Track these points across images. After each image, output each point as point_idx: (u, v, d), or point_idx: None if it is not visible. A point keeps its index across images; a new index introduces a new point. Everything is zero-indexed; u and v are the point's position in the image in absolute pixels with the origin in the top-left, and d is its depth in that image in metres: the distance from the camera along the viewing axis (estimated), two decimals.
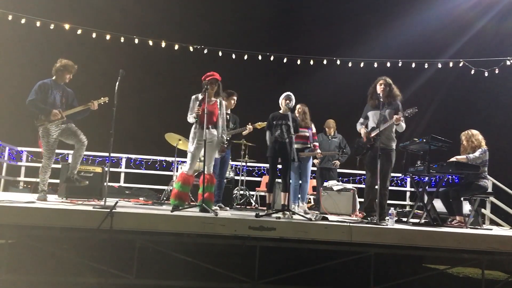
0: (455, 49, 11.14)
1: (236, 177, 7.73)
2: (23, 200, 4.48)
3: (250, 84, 11.28)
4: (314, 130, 6.59)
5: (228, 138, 6.20)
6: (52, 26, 8.89)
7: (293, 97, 5.54)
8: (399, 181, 10.00)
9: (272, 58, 9.86)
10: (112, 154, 5.00)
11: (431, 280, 4.55)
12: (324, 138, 7.40)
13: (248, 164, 8.28)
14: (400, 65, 9.79)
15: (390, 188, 5.39)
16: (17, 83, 10.10)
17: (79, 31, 8.99)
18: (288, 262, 4.42)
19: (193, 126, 5.04)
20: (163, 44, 9.44)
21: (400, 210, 7.51)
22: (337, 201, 6.80)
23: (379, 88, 5.12)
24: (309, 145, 6.42)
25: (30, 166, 9.07)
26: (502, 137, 10.40)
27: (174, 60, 10.23)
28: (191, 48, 9.55)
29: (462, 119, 10.77)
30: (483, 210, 7.91)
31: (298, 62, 9.94)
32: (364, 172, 5.60)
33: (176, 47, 9.50)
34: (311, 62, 9.95)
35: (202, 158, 4.90)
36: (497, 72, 9.61)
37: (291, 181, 5.78)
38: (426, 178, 6.33)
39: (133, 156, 9.33)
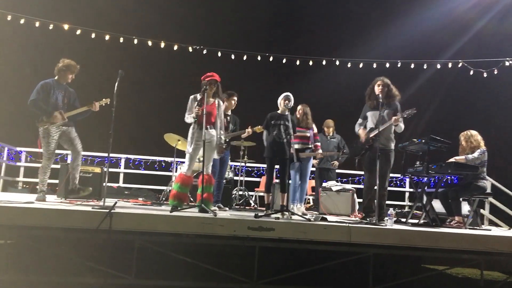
0: (454, 50, 11.16)
1: (235, 178, 7.73)
2: (22, 201, 4.47)
3: (249, 84, 11.26)
4: (315, 130, 6.58)
5: (228, 140, 6.20)
6: (51, 26, 8.88)
7: (292, 97, 5.54)
8: (398, 182, 10.00)
9: (271, 59, 9.87)
10: (111, 155, 5.00)
11: (430, 281, 4.55)
12: (323, 138, 7.39)
13: (247, 164, 8.28)
14: (399, 65, 9.80)
15: (389, 188, 5.40)
16: (16, 83, 10.09)
17: (78, 31, 8.98)
18: (287, 262, 4.42)
19: (191, 126, 5.03)
20: (162, 45, 9.43)
21: (399, 210, 7.52)
22: (336, 202, 6.81)
23: (377, 89, 5.12)
24: (309, 146, 6.41)
25: (29, 166, 9.06)
26: (501, 137, 10.42)
27: (173, 60, 10.22)
28: (190, 49, 9.55)
29: (461, 120, 10.76)
30: (482, 210, 7.92)
31: (298, 62, 9.95)
32: (363, 172, 5.60)
33: (175, 47, 9.49)
34: (310, 63, 9.95)
35: (201, 159, 4.90)
36: (496, 72, 9.62)
37: (290, 181, 5.78)
38: (425, 178, 6.34)
39: (132, 157, 9.33)
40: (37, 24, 8.87)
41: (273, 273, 4.08)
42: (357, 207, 6.95)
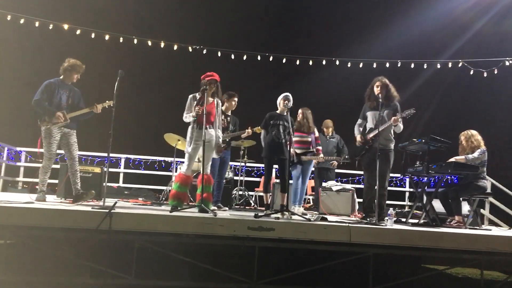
0: (454, 50, 11.15)
1: (235, 178, 7.73)
2: (22, 201, 4.47)
3: (249, 84, 11.28)
4: (317, 134, 6.57)
5: (228, 140, 6.20)
6: (51, 26, 8.88)
7: (291, 98, 5.54)
8: (398, 182, 10.00)
9: (271, 59, 9.87)
10: (111, 154, 4.99)
11: (430, 281, 4.55)
12: (322, 138, 7.38)
13: (247, 164, 8.28)
14: (399, 65, 9.80)
15: (389, 188, 5.39)
16: (16, 83, 10.10)
17: (78, 31, 8.99)
18: (287, 262, 4.41)
19: (190, 126, 5.03)
20: (162, 45, 9.43)
21: (399, 210, 7.51)
22: (336, 202, 6.80)
23: (376, 90, 5.12)
24: (311, 149, 6.40)
25: (29, 166, 9.06)
26: (501, 137, 10.42)
27: (173, 60, 10.22)
28: (190, 49, 9.55)
29: (461, 120, 10.77)
30: (482, 210, 7.91)
31: (298, 62, 9.95)
32: (362, 172, 5.60)
33: (175, 47, 9.50)
34: (310, 63, 9.95)
35: (201, 159, 4.90)
36: (496, 72, 9.62)
37: (291, 182, 5.78)
38: (425, 178, 6.34)
39: (132, 157, 9.32)
40: (37, 24, 8.87)
41: (273, 273, 4.07)
42: (357, 207, 6.94)
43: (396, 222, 5.20)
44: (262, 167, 9.27)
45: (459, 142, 5.91)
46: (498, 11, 10.83)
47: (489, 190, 7.01)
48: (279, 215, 4.84)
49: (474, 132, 5.82)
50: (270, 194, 6.08)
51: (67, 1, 11.00)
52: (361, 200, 5.85)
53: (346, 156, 7.28)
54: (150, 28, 10.75)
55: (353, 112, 5.82)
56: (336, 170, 7.73)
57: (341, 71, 10.01)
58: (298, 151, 6.28)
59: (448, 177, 8.01)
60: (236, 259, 4.24)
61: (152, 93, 12.01)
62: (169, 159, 8.99)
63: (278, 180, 5.96)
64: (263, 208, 5.84)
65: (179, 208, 4.62)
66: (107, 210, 3.63)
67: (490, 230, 5.54)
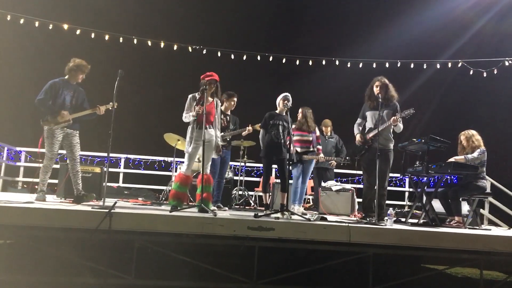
0: (454, 50, 11.16)
1: (235, 177, 7.73)
2: (22, 200, 4.47)
3: (249, 84, 11.28)
4: (317, 133, 6.57)
5: (228, 139, 6.20)
6: (50, 26, 8.87)
7: (290, 98, 5.55)
8: (397, 182, 10.01)
9: (271, 59, 9.87)
10: (111, 154, 4.99)
11: (430, 280, 4.55)
12: (321, 138, 7.38)
13: (247, 164, 8.28)
14: (399, 65, 9.80)
15: (388, 188, 5.39)
16: (16, 83, 10.10)
17: (78, 31, 8.98)
18: (287, 262, 4.42)
19: (190, 126, 5.03)
20: (162, 44, 9.43)
21: (399, 210, 7.51)
22: (336, 201, 6.81)
23: (376, 90, 5.12)
24: (312, 149, 6.41)
25: (28, 166, 9.06)
26: (501, 137, 10.41)
27: (173, 60, 10.22)
28: (190, 48, 9.55)
29: (461, 120, 10.78)
30: (481, 210, 7.91)
31: (297, 62, 9.95)
32: (362, 172, 5.60)
33: (175, 47, 9.49)
34: (310, 63, 9.95)
35: (200, 159, 4.90)
36: (495, 72, 9.62)
37: (291, 182, 5.78)
38: (425, 178, 6.34)
39: (132, 156, 9.33)
40: (36, 24, 8.86)
41: (273, 273, 4.08)
42: (356, 207, 6.95)
43: (395, 222, 5.20)
44: (262, 167, 9.32)
45: (459, 142, 5.92)
46: (498, 11, 10.83)
47: (488, 190, 7.01)
48: (279, 215, 4.84)
49: (474, 132, 5.83)
50: (270, 194, 6.08)
51: (67, 1, 11.00)
52: (360, 200, 5.85)
53: (347, 158, 7.29)
54: (150, 28, 10.75)
55: (352, 112, 5.82)
56: (336, 170, 7.73)
57: (341, 71, 10.01)
58: (299, 150, 6.28)
59: (448, 177, 8.01)
60: (236, 259, 4.24)
61: (152, 93, 12.01)
62: (169, 159, 8.99)
63: (278, 180, 5.96)
64: (263, 208, 5.84)
65: (179, 208, 4.62)
66: (107, 210, 3.63)
67: (490, 230, 5.54)
